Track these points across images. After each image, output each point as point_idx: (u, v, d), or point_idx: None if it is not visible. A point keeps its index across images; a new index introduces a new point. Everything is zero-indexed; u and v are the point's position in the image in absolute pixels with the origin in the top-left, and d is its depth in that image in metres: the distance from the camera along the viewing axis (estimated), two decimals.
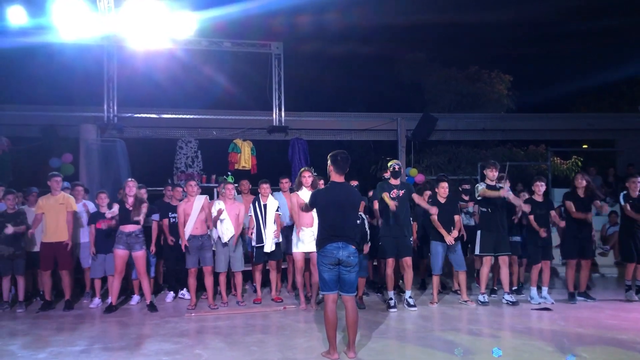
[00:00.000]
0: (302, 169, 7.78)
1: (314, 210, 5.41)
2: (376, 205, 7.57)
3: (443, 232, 7.66)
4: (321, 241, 5.11)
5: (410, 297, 7.51)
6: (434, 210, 7.52)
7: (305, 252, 7.57)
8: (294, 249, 7.64)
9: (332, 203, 5.14)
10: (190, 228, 7.54)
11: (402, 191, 7.38)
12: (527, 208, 7.59)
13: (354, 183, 8.61)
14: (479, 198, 7.78)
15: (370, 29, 18.73)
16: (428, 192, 8.89)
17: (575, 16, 19.64)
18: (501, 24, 19.15)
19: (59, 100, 12.91)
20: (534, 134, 14.88)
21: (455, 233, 7.70)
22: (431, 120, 13.07)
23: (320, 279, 5.14)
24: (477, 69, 16.85)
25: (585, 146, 16.78)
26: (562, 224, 7.90)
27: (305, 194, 7.52)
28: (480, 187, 7.78)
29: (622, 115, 15.90)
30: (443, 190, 7.87)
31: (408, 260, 7.43)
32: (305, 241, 7.45)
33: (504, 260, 7.76)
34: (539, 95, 18.55)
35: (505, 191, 7.54)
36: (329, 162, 5.24)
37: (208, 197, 7.84)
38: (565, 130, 14.88)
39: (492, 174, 7.80)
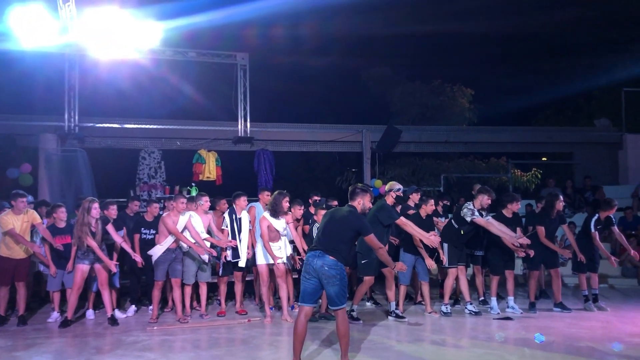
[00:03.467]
0: (284, 196, 7.44)
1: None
2: None
3: (425, 254, 7.61)
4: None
5: (396, 308, 7.57)
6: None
7: (269, 264, 7.52)
8: (259, 261, 7.56)
9: (327, 220, 5.30)
10: (169, 243, 7.39)
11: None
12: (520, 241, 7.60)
13: (334, 203, 8.57)
14: (468, 219, 7.60)
15: (336, 43, 18.92)
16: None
17: (535, 33, 20.24)
18: (464, 39, 19.60)
19: (17, 109, 12.59)
20: (495, 146, 15.20)
21: (431, 263, 7.66)
22: (395, 132, 13.24)
23: (301, 290, 5.17)
24: (440, 82, 17.17)
25: (544, 159, 17.22)
26: (531, 253, 7.86)
27: (275, 220, 7.44)
28: (471, 215, 7.59)
29: (580, 129, 16.43)
30: (430, 207, 7.84)
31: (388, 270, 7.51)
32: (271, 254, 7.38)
33: (462, 270, 7.90)
34: (500, 109, 19.01)
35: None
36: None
37: (191, 214, 7.61)
38: (525, 143, 15.26)
39: (487, 202, 7.68)
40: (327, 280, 5.02)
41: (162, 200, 9.99)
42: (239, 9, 11.66)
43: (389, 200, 7.48)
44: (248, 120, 12.47)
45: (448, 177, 14.27)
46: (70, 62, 11.46)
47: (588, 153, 15.16)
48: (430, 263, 7.59)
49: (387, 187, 7.69)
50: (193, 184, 11.40)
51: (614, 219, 8.37)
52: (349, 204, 5.38)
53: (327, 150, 14.00)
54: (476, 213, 7.58)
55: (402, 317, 7.48)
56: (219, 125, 12.97)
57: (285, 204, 7.40)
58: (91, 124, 11.88)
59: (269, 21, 16.09)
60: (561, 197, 8.12)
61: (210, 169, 11.99)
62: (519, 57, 21.26)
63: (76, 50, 10.87)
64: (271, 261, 7.39)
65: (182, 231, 7.34)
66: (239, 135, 12.42)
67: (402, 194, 7.56)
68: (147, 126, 12.47)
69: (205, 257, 7.64)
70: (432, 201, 7.92)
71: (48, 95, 12.58)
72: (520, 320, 7.45)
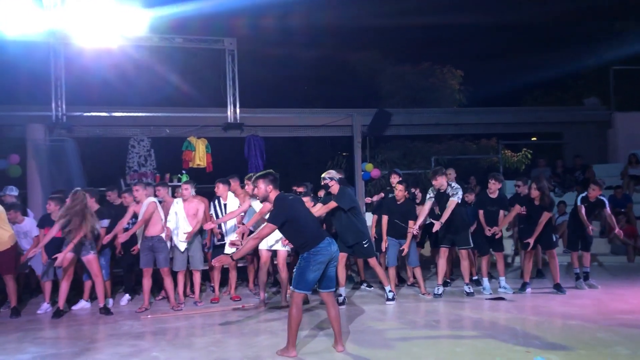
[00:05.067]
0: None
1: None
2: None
3: (384, 237, 7.92)
4: (311, 241, 5.03)
5: (390, 291, 7.57)
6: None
7: (270, 249, 7.50)
8: (259, 246, 7.50)
9: (304, 208, 5.32)
10: (134, 230, 7.44)
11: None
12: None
13: (301, 189, 8.62)
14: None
15: (324, 27, 18.77)
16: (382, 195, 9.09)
17: (523, 13, 20.19)
18: (453, 21, 19.50)
19: (3, 99, 12.43)
20: (485, 127, 15.20)
21: (384, 245, 7.95)
22: (386, 115, 13.20)
23: (303, 280, 5.01)
24: (429, 64, 17.11)
25: (534, 139, 17.26)
26: (496, 229, 8.11)
27: (256, 204, 7.46)
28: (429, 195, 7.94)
29: (569, 109, 16.44)
30: (398, 192, 7.91)
31: (371, 261, 7.51)
32: (271, 238, 7.29)
33: (462, 254, 7.94)
34: (490, 90, 18.98)
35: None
36: (264, 183, 5.14)
37: (157, 201, 7.63)
38: (515, 124, 15.27)
39: (434, 182, 7.80)
40: (334, 264, 5.20)
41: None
42: None
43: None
44: (237, 106, 12.39)
45: (439, 159, 14.27)
46: (55, 51, 11.31)
47: (578, 132, 15.20)
48: (383, 247, 7.94)
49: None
50: (183, 172, 11.34)
51: (606, 202, 8.41)
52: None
53: (317, 135, 13.94)
54: (430, 194, 7.88)
55: (392, 300, 7.50)
56: (208, 112, 12.89)
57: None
58: (79, 113, 11.76)
59: (256, 7, 15.91)
60: (534, 185, 7.92)
61: (200, 156, 11.92)
62: (507, 38, 21.21)
63: (61, 38, 10.74)
64: (273, 247, 7.41)
65: (150, 218, 7.35)
66: (229, 121, 12.33)
67: (325, 182, 7.35)
68: (136, 114, 12.36)
69: (182, 247, 7.62)
70: (400, 187, 7.93)
71: (34, 85, 12.45)
72: (513, 300, 7.52)
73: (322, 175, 7.40)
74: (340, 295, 7.37)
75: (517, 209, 8.09)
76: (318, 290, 5.28)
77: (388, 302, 7.43)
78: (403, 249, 7.80)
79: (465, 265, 7.93)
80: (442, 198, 7.77)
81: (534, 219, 7.88)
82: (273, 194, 5.16)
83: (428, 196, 7.90)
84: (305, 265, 5.02)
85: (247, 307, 7.46)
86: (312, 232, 5.09)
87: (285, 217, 5.05)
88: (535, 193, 7.86)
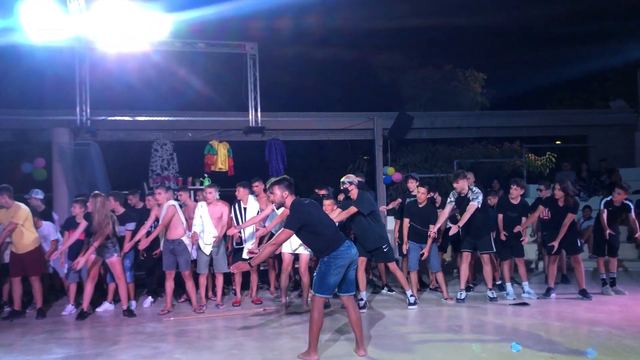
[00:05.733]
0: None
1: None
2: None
3: (405, 240, 7.84)
4: (331, 245, 5.01)
5: (411, 295, 7.51)
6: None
7: (293, 253, 7.51)
8: (282, 249, 7.51)
9: (321, 212, 5.32)
10: (156, 233, 7.50)
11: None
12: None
13: (323, 192, 8.59)
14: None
15: (346, 31, 18.77)
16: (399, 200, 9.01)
17: (548, 15, 19.97)
18: (475, 23, 19.37)
19: (29, 103, 12.66)
20: (509, 130, 15.03)
21: (404, 248, 7.86)
22: (407, 119, 13.12)
23: (324, 284, 5.00)
24: (452, 67, 16.99)
25: (558, 142, 17.02)
26: (519, 228, 8.01)
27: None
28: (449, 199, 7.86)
29: (595, 111, 16.19)
30: (420, 195, 7.81)
31: (391, 265, 7.44)
32: (294, 242, 7.33)
33: (484, 258, 7.84)
34: (513, 93, 18.78)
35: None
36: (280, 189, 5.13)
37: (177, 204, 7.67)
38: (539, 127, 15.07)
39: (455, 185, 7.70)
40: (354, 267, 5.17)
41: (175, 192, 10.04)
42: (247, 0, 11.60)
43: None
44: (259, 110, 12.44)
45: (461, 163, 14.15)
46: (80, 56, 11.49)
47: (603, 135, 14.94)
48: (404, 248, 7.84)
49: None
50: (205, 175, 11.42)
51: (631, 206, 8.24)
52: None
53: (338, 138, 13.93)
54: (451, 198, 7.78)
55: (414, 304, 7.44)
56: (229, 116, 12.96)
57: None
58: (103, 118, 11.92)
59: (277, 12, 15.98)
60: (557, 186, 7.75)
61: (222, 160, 12.01)
62: (531, 39, 21.00)
63: (86, 43, 10.90)
64: (296, 251, 7.43)
65: (170, 221, 7.40)
66: (250, 125, 12.39)
67: (344, 187, 7.27)
68: (159, 118, 12.50)
69: (207, 250, 7.66)
70: (422, 189, 7.81)
71: (59, 90, 12.65)
72: (537, 305, 7.40)
73: (342, 180, 7.35)
74: (362, 299, 7.33)
75: (541, 209, 8.00)
76: (338, 294, 5.26)
77: (410, 307, 7.37)
78: (423, 253, 7.72)
79: (487, 270, 7.83)
80: (462, 202, 7.67)
81: (557, 221, 7.73)
82: (289, 200, 5.14)
83: (449, 200, 7.83)
84: (325, 270, 4.99)
85: (268, 310, 7.46)
86: (330, 236, 5.06)
87: (301, 222, 5.02)
88: (559, 194, 7.72)
